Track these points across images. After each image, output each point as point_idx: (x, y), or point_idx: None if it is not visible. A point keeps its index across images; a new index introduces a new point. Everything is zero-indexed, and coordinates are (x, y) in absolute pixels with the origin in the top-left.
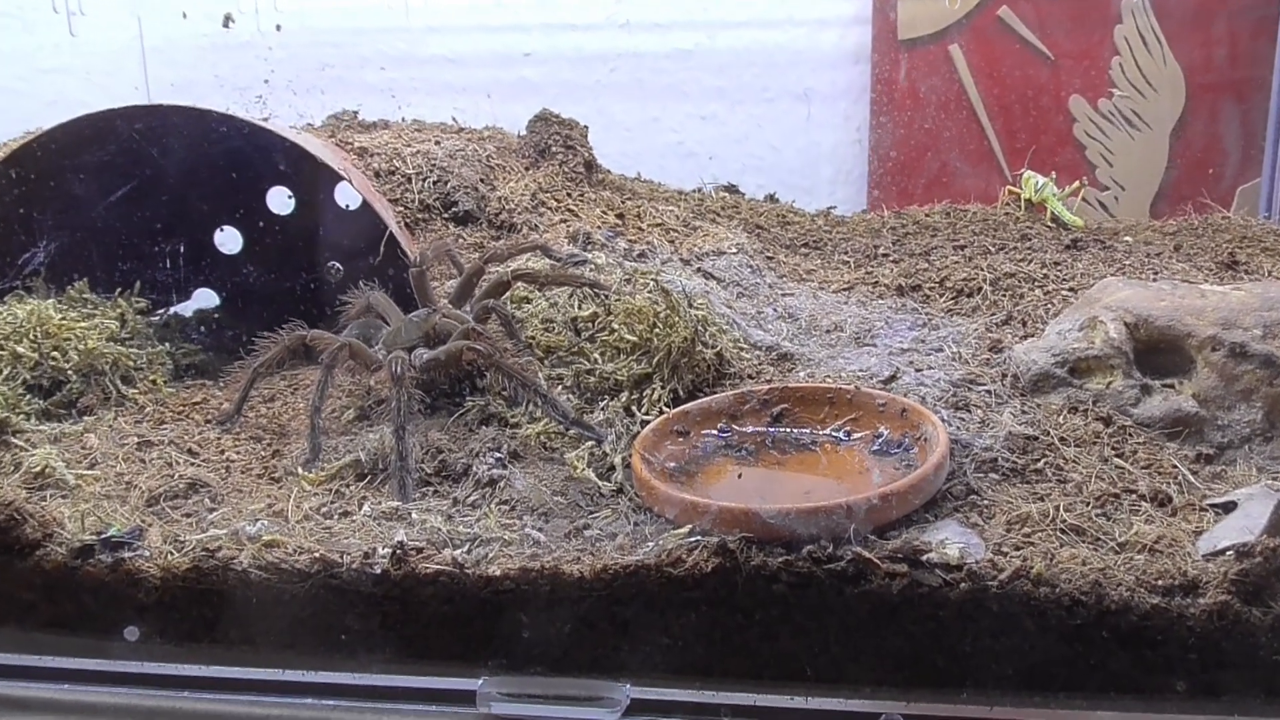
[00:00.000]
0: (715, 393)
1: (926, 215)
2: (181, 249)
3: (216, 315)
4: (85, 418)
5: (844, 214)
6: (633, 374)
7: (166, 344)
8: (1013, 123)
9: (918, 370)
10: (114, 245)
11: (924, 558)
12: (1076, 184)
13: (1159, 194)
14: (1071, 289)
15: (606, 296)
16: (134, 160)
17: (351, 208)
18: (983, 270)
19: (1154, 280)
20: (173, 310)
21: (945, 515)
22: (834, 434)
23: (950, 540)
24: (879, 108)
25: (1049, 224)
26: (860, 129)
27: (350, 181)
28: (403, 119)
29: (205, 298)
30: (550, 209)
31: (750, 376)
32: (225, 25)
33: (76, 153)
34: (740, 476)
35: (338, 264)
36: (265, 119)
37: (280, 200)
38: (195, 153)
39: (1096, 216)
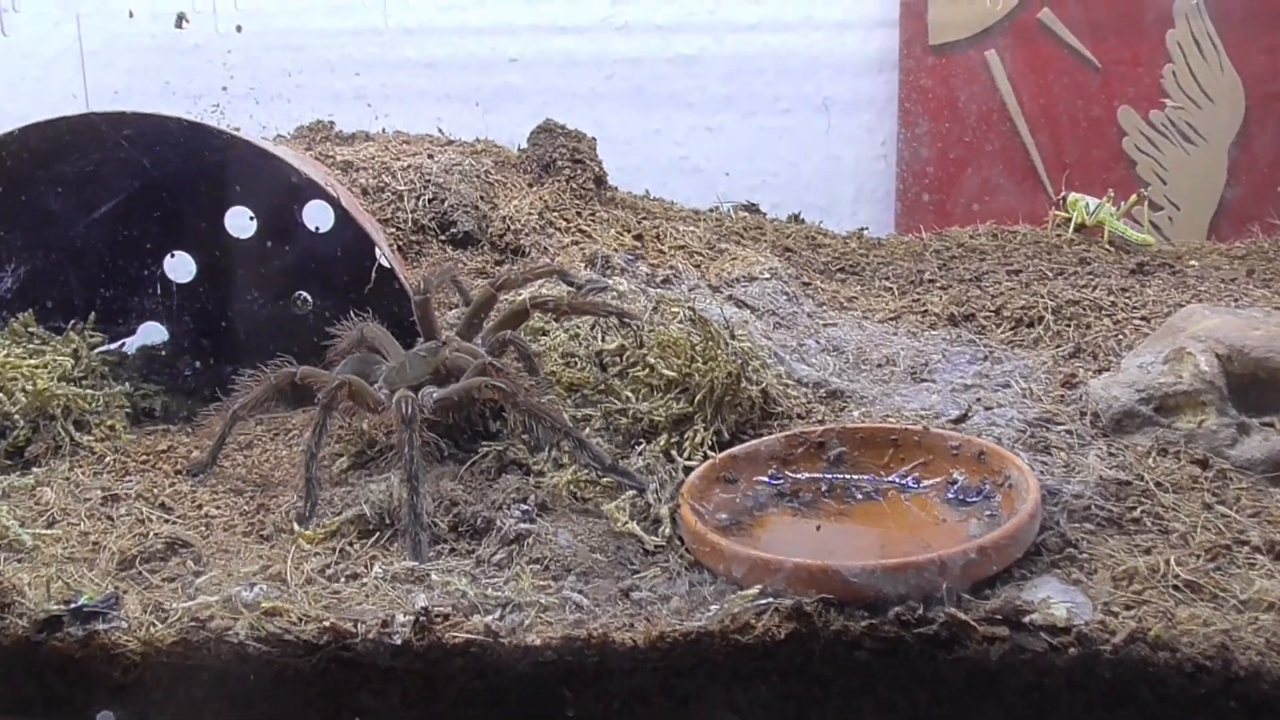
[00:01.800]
0: (762, 434)
1: (971, 237)
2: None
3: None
4: (35, 469)
5: (878, 236)
6: (671, 414)
7: (125, 383)
8: (1056, 136)
9: (986, 408)
10: (95, 269)
11: (1026, 619)
12: (1134, 197)
13: (1218, 213)
14: (1143, 318)
15: (638, 327)
16: (121, 172)
17: (321, 230)
18: (1042, 297)
19: (1240, 308)
20: (132, 344)
21: (1041, 571)
22: (901, 480)
23: (1053, 599)
24: (908, 119)
25: (1107, 247)
26: (886, 143)
27: (337, 199)
28: (383, 130)
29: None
30: (560, 230)
31: (800, 416)
32: (178, 26)
33: (52, 161)
34: (819, 529)
35: (305, 294)
36: (237, 129)
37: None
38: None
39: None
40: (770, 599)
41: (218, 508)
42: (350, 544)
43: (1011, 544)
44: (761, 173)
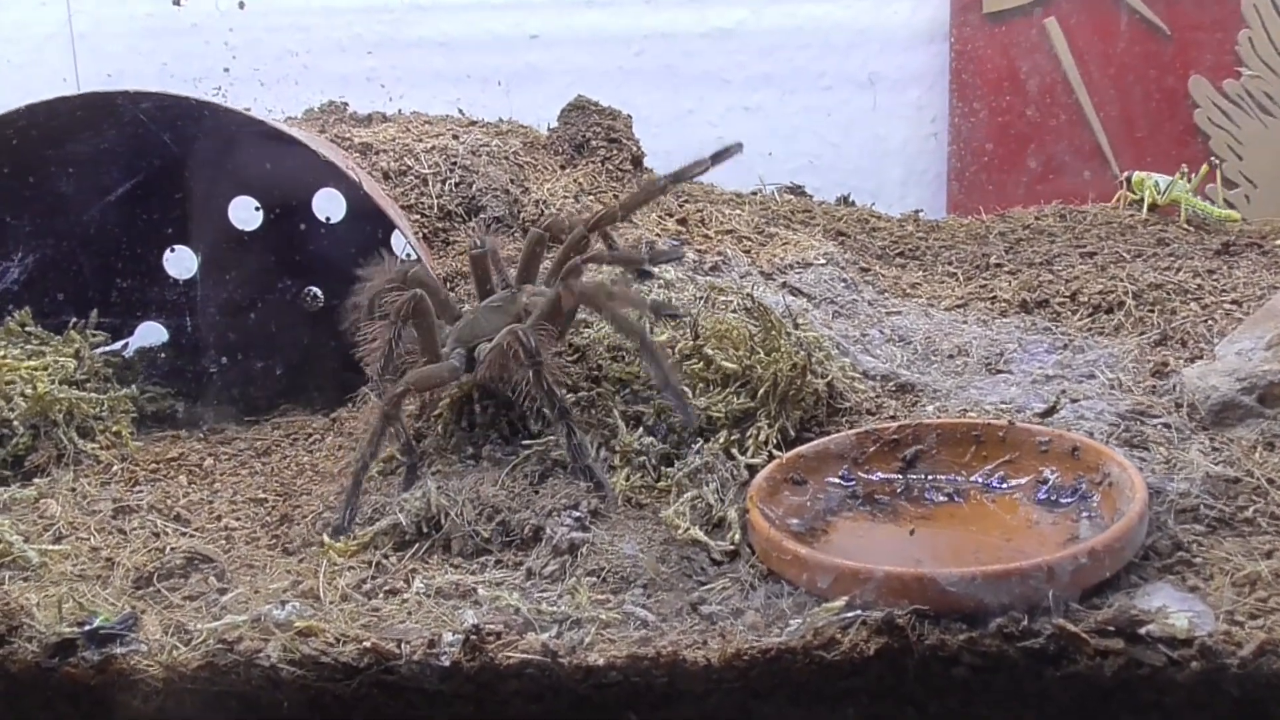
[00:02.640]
0: (829, 431)
1: (1037, 218)
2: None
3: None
4: (37, 479)
5: (935, 219)
6: (731, 409)
7: (131, 386)
8: (1122, 109)
9: (1073, 400)
10: (110, 257)
11: (1143, 630)
12: (1204, 168)
13: None
14: (1234, 301)
15: (684, 313)
16: (139, 153)
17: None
18: (1121, 281)
19: None
20: (134, 345)
21: (1153, 577)
22: (985, 480)
23: (1171, 608)
24: (960, 95)
25: (1185, 226)
26: (937, 120)
27: (361, 184)
28: (399, 111)
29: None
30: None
31: (869, 412)
32: (175, 3)
33: (63, 140)
34: (912, 533)
35: (315, 290)
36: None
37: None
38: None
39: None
40: (858, 611)
41: (237, 519)
42: (385, 557)
43: (1124, 546)
44: (804, 154)
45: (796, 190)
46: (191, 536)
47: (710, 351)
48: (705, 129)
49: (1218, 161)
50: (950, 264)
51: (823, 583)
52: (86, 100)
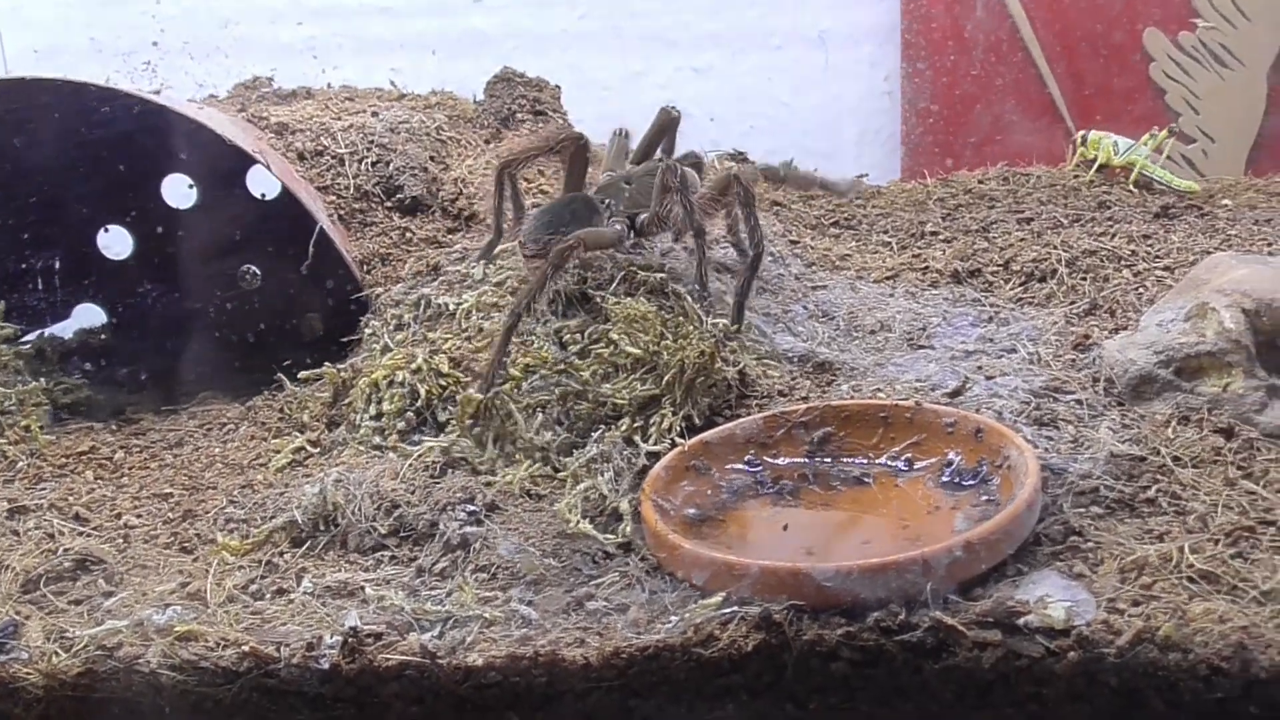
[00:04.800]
0: (739, 416)
1: (980, 182)
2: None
3: (104, 337)
4: None
5: (879, 183)
6: (635, 396)
7: (41, 379)
8: (1076, 64)
9: (989, 378)
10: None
11: (1021, 621)
12: (1164, 132)
13: (1257, 145)
14: (1166, 268)
15: (604, 299)
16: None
17: (268, 197)
18: (1055, 248)
19: (1271, 254)
20: (47, 333)
21: (1041, 564)
22: (892, 463)
23: (1052, 597)
24: (911, 52)
25: (1131, 189)
26: (890, 78)
27: (267, 166)
28: (329, 85)
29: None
30: (521, 192)
31: (781, 394)
32: None
33: None
34: (786, 528)
35: (254, 268)
36: (156, 91)
37: (179, 192)
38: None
39: (1185, 175)
40: (736, 608)
41: (139, 516)
42: (280, 554)
43: (1003, 538)
44: (755, 116)
45: (737, 156)
46: (88, 536)
47: (615, 336)
48: (654, 91)
49: (1178, 127)
50: (886, 233)
51: (699, 578)
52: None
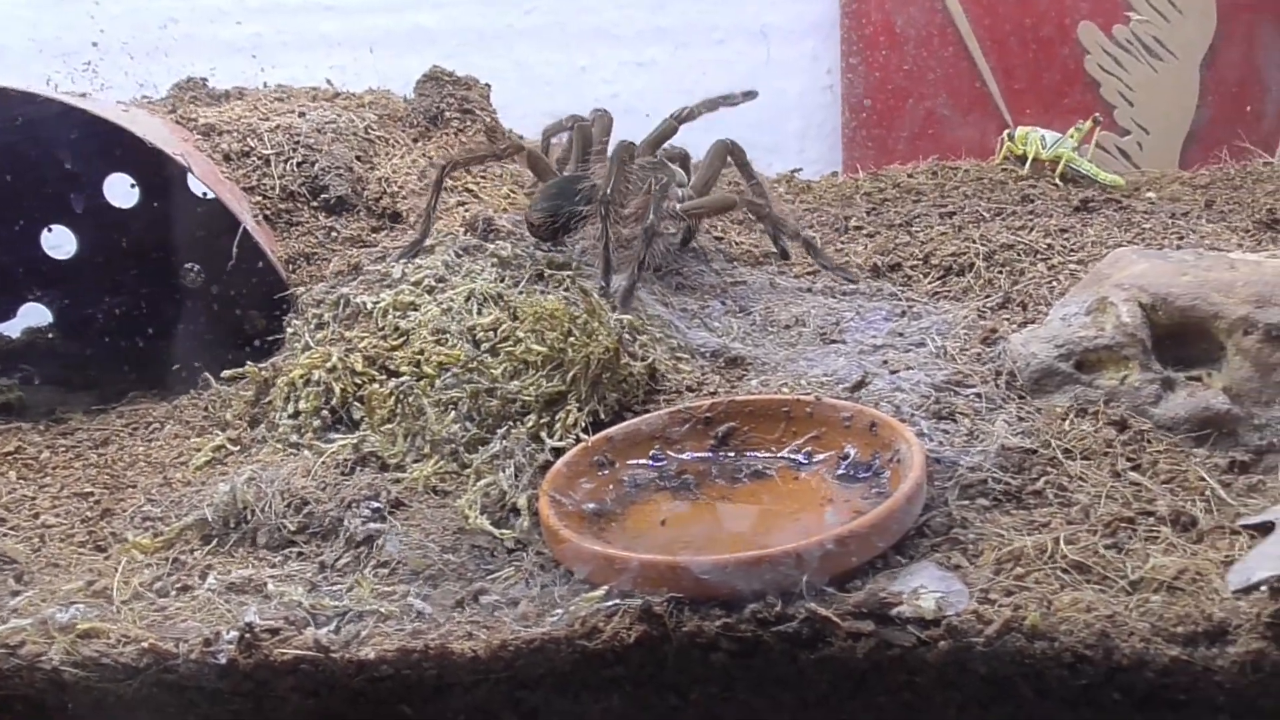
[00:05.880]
0: (648, 411)
1: (910, 176)
2: None
3: (50, 336)
4: None
5: (811, 178)
6: (542, 393)
7: None
8: (1012, 58)
9: (893, 371)
10: None
11: (893, 612)
12: (1088, 123)
13: (1190, 137)
14: (1080, 261)
15: (509, 300)
16: None
17: (210, 195)
18: (975, 242)
19: (1176, 249)
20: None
21: (921, 556)
22: (793, 457)
23: (926, 588)
24: (850, 46)
25: (1056, 182)
26: (832, 71)
27: (189, 169)
28: (265, 85)
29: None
30: (444, 189)
31: (691, 389)
32: None
33: None
34: (664, 523)
35: (197, 266)
36: (84, 95)
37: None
38: None
39: (1116, 167)
40: (618, 600)
41: (57, 515)
42: (190, 552)
43: (875, 532)
44: None
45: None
46: (3, 536)
47: (521, 334)
48: (599, 86)
49: (1102, 119)
50: (811, 228)
51: (583, 572)
52: None
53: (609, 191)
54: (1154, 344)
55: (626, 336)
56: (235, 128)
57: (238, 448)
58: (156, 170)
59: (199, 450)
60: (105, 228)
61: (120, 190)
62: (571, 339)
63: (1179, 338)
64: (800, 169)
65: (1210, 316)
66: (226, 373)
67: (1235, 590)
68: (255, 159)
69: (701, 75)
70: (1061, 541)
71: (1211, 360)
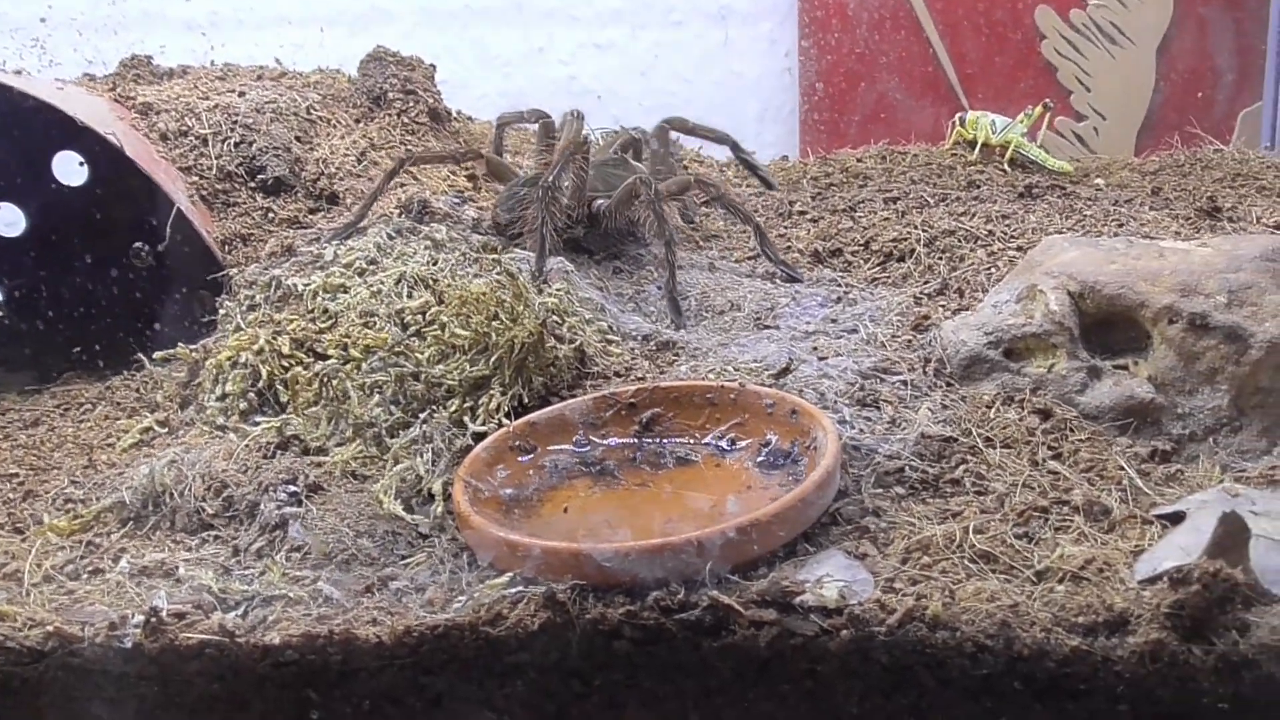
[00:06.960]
0: (576, 396)
1: (858, 160)
2: None
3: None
4: None
5: (763, 162)
6: (466, 377)
7: None
8: (967, 42)
9: (822, 358)
10: None
11: (796, 601)
12: (1038, 108)
13: (1146, 123)
14: (1020, 248)
15: (436, 282)
16: None
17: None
18: (916, 228)
19: (1113, 236)
20: None
21: (831, 544)
22: (716, 443)
23: (831, 577)
24: (806, 29)
25: (1005, 168)
26: (790, 54)
27: (121, 147)
28: (211, 63)
29: None
30: (383, 171)
31: (619, 374)
32: None
33: None
34: (566, 510)
35: (146, 246)
36: (19, 72)
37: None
38: None
39: (1073, 152)
40: (522, 587)
41: None
42: (107, 535)
43: (777, 521)
44: (657, 92)
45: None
46: None
47: (445, 319)
48: (557, 67)
49: (1054, 104)
50: (756, 212)
51: (487, 557)
52: None
53: (551, 179)
54: (1082, 332)
55: (554, 319)
56: (173, 107)
57: (166, 430)
58: (90, 149)
59: (127, 432)
60: (49, 207)
61: (68, 169)
62: (496, 323)
63: (1107, 326)
64: (754, 152)
65: (1136, 305)
66: (159, 354)
67: (1142, 580)
68: (193, 139)
69: (659, 57)
70: (971, 531)
71: (1138, 349)
